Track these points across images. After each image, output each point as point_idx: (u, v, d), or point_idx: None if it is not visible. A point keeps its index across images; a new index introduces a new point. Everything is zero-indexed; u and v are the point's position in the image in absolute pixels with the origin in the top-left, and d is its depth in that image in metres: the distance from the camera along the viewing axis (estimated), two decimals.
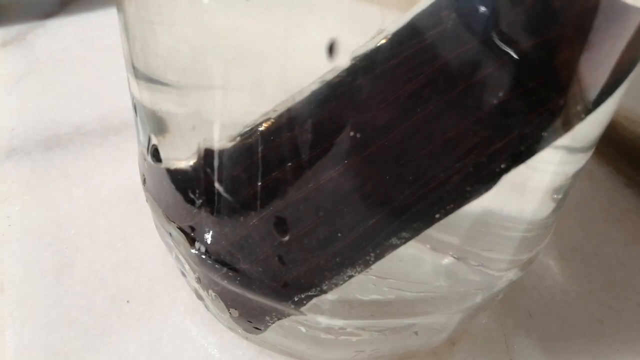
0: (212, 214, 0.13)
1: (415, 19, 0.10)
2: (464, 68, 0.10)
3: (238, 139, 0.12)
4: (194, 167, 0.13)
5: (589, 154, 0.14)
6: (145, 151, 0.14)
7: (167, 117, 0.13)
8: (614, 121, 0.26)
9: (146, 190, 0.16)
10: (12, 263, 0.20)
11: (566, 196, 0.15)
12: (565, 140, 0.13)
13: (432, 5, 0.10)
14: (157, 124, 0.14)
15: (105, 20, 0.35)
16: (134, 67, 0.14)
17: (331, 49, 0.10)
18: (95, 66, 0.31)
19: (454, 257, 0.14)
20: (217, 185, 0.12)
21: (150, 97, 0.14)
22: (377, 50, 0.10)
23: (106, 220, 0.21)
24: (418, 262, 0.14)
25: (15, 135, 0.25)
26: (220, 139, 0.12)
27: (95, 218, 0.22)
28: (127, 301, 0.19)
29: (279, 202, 0.12)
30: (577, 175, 0.15)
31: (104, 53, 0.32)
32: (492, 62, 0.10)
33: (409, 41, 0.10)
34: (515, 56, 0.10)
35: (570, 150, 0.13)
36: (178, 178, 0.14)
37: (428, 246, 0.14)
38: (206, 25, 0.11)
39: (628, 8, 0.10)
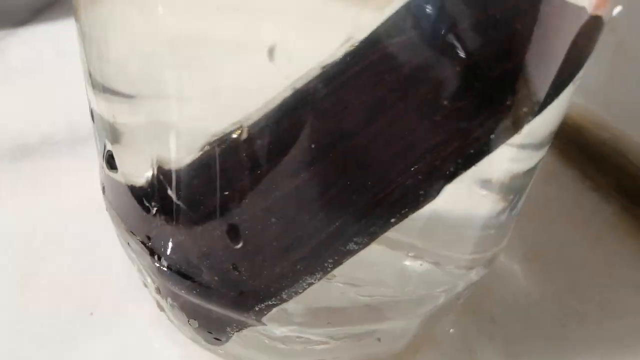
0: (167, 223, 0.13)
1: (376, 30, 0.10)
2: (414, 77, 0.10)
3: (193, 150, 0.12)
4: (150, 177, 0.13)
5: (541, 152, 0.15)
6: (101, 158, 0.14)
7: (121, 127, 0.13)
8: (581, 126, 0.27)
9: (106, 199, 0.16)
10: None
11: (521, 195, 0.15)
12: (515, 137, 0.13)
13: (391, 16, 0.10)
14: (113, 133, 0.14)
15: (75, 29, 0.35)
16: (90, 76, 0.14)
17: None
18: (67, 75, 0.30)
19: (412, 257, 0.14)
20: (171, 194, 0.13)
21: (106, 107, 0.14)
22: (333, 65, 0.10)
23: (72, 231, 0.21)
24: (378, 264, 0.14)
25: None
26: (176, 149, 0.12)
27: (62, 228, 0.21)
28: (91, 313, 0.19)
29: (232, 210, 0.12)
30: (530, 174, 0.15)
31: (75, 63, 0.32)
32: (439, 69, 0.10)
33: (366, 52, 0.10)
34: (461, 62, 0.10)
35: (521, 147, 0.13)
36: (134, 187, 0.14)
37: (385, 246, 0.14)
38: (157, 35, 0.11)
39: (570, 7, 0.11)
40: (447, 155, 0.12)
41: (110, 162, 0.14)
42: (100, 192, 0.22)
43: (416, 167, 0.12)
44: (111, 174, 0.14)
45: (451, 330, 0.19)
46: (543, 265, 0.22)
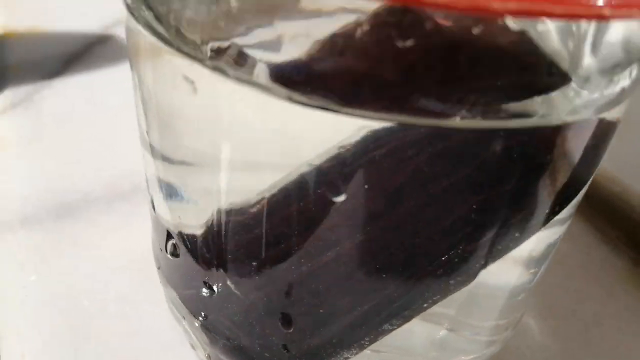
0: (222, 305, 0.15)
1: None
2: (446, 167, 0.11)
3: (241, 224, 0.13)
4: (206, 258, 0.14)
5: (566, 225, 0.16)
6: (163, 247, 0.16)
7: (179, 194, 0.15)
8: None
9: (161, 274, 0.17)
10: (31, 333, 0.21)
11: (547, 261, 0.16)
12: None
13: None
14: (171, 203, 0.15)
15: (107, 79, 0.37)
16: (150, 146, 0.15)
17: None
18: (101, 128, 0.32)
19: (446, 328, 0.15)
20: (229, 283, 0.14)
21: (164, 174, 0.15)
22: (364, 141, 0.11)
23: (116, 289, 0.23)
24: (411, 335, 0.15)
25: (28, 203, 0.27)
26: (225, 222, 0.14)
27: (106, 287, 0.23)
28: None
29: (283, 300, 0.14)
30: (556, 243, 0.16)
31: (108, 114, 0.33)
32: (473, 164, 0.11)
33: (391, 137, 0.11)
34: (495, 162, 0.11)
35: (548, 227, 0.14)
36: (192, 270, 0.15)
37: (421, 319, 0.15)
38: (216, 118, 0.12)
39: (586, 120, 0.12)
40: (473, 250, 0.13)
41: (173, 251, 0.15)
42: (141, 251, 0.23)
43: (444, 258, 0.13)
44: (170, 257, 0.16)
45: None
46: (557, 321, 0.23)
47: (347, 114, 0.10)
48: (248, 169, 0.13)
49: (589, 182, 0.15)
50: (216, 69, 0.11)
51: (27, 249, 0.24)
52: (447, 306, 0.15)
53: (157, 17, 0.12)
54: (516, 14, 0.09)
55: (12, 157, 0.30)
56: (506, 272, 0.15)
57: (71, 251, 0.24)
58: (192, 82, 0.12)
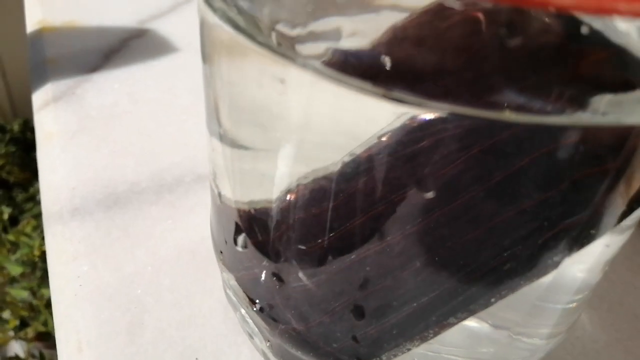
0: (290, 295, 0.15)
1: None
2: (519, 161, 0.11)
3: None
4: (277, 252, 0.15)
5: (633, 228, 0.16)
6: (230, 238, 0.16)
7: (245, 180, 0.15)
8: None
9: (223, 264, 0.18)
10: (86, 323, 0.22)
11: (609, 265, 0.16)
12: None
13: None
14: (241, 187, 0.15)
15: (147, 73, 0.37)
16: (220, 133, 0.15)
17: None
18: (143, 121, 0.33)
19: (508, 331, 0.15)
20: (301, 275, 0.14)
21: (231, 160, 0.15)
22: (415, 129, 0.11)
23: (169, 279, 0.23)
24: (470, 334, 0.15)
25: (76, 195, 0.27)
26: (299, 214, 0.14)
27: (159, 277, 0.23)
28: (196, 358, 0.20)
29: (357, 291, 0.14)
30: (621, 247, 0.16)
31: (149, 107, 0.34)
32: (545, 154, 0.11)
33: (442, 125, 0.11)
34: (567, 155, 0.11)
35: (621, 229, 0.14)
36: (261, 262, 0.15)
37: (486, 321, 0.15)
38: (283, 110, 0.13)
39: None
40: (543, 245, 0.13)
41: (244, 244, 0.16)
42: (190, 241, 0.24)
43: (510, 252, 0.13)
44: (240, 249, 0.16)
45: None
46: (606, 312, 0.23)
47: (427, 107, 0.10)
48: (322, 157, 0.13)
49: None
50: (286, 56, 0.11)
51: (78, 240, 0.25)
52: (508, 310, 0.15)
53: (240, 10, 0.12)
54: None
55: (58, 149, 0.30)
56: (569, 277, 0.15)
57: (122, 241, 0.25)
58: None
